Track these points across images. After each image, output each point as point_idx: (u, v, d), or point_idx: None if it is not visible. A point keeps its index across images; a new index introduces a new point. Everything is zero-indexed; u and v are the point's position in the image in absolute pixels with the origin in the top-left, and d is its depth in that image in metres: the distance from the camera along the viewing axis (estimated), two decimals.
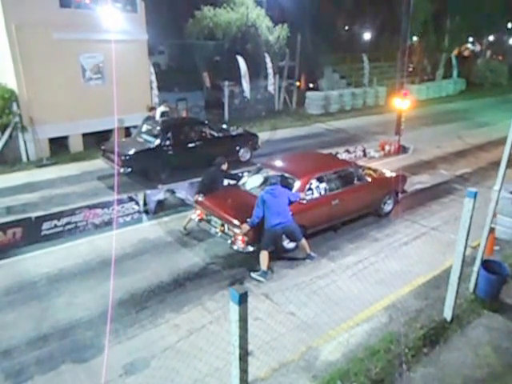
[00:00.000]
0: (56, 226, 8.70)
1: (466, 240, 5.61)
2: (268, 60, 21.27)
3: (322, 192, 8.51)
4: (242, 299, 3.30)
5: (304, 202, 8.09)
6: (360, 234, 9.05)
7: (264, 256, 7.42)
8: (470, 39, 43.86)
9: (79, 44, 14.23)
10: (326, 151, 13.72)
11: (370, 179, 9.48)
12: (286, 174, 8.52)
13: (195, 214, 8.76)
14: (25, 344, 5.85)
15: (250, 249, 7.62)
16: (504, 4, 30.39)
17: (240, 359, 3.45)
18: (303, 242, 7.79)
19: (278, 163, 9.23)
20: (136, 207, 9.70)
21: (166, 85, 19.11)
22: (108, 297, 6.69)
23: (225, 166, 9.17)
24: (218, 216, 8.09)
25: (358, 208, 9.22)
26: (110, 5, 14.24)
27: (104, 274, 7.46)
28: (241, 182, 9.23)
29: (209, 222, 8.41)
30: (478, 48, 48.07)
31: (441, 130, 19.22)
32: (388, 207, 9.85)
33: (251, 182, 9.01)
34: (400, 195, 10.05)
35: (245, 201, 8.18)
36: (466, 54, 45.62)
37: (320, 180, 8.55)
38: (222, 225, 7.99)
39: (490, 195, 7.27)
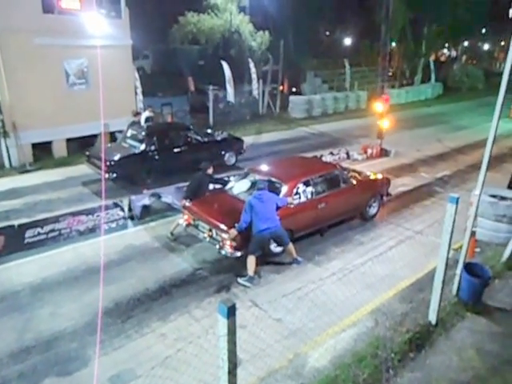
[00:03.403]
0: (39, 234, 8.57)
1: (449, 244, 5.72)
2: (252, 65, 21.35)
3: (309, 196, 8.55)
4: (231, 312, 3.27)
5: (291, 206, 8.14)
6: (345, 238, 9.13)
7: (251, 261, 7.43)
8: (446, 45, 44.80)
9: (63, 49, 14.10)
10: (310, 154, 13.82)
11: (355, 182, 9.56)
12: (273, 179, 8.52)
13: (183, 219, 8.72)
14: (7, 357, 5.72)
15: (238, 254, 7.63)
16: (478, 11, 31.14)
17: (229, 373, 3.42)
18: (290, 246, 7.84)
19: (265, 168, 9.27)
20: (121, 213, 9.62)
21: (151, 89, 19.03)
22: (93, 306, 6.62)
23: (210, 171, 9.20)
24: (205, 221, 8.07)
25: (344, 211, 9.31)
26: (95, 11, 14.12)
27: (89, 283, 7.37)
28: (228, 187, 9.22)
29: (196, 227, 8.38)
30: (453, 53, 49.11)
31: (420, 133, 19.53)
32: (373, 210, 9.98)
33: (238, 186, 9.02)
34: (385, 198, 10.23)
35: (232, 206, 8.17)
36: (442, 59, 46.59)
37: (307, 184, 8.57)
38: (210, 230, 7.98)
39: (470, 198, 7.45)
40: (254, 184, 8.66)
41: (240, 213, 7.45)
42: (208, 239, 8.06)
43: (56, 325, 6.38)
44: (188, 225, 8.61)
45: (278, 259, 8.16)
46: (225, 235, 7.57)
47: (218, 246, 7.77)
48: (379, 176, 10.40)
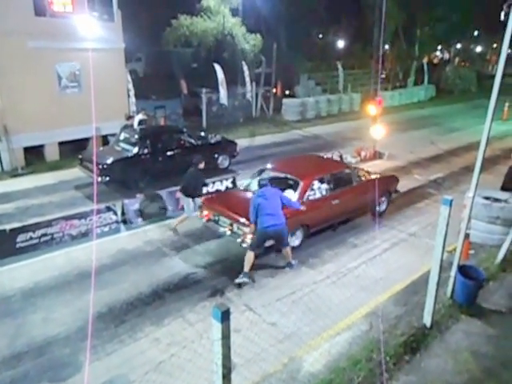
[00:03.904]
0: (31, 238, 8.49)
1: (443, 247, 5.72)
2: (245, 67, 21.35)
3: (323, 192, 8.90)
4: (225, 317, 3.25)
5: (306, 202, 8.42)
6: (339, 241, 9.12)
7: (249, 257, 7.48)
8: (439, 47, 45.14)
9: (55, 52, 14.04)
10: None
11: (365, 180, 9.92)
12: (290, 176, 8.94)
13: (202, 215, 8.94)
14: None
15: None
16: (470, 13, 31.42)
17: (223, 378, 3.40)
18: (288, 249, 7.81)
19: (281, 165, 9.81)
20: (114, 217, 9.56)
21: (144, 92, 18.96)
22: (86, 311, 6.55)
23: (202, 165, 9.39)
24: (226, 216, 8.31)
25: (356, 207, 9.65)
26: (87, 14, 14.06)
27: (81, 287, 7.30)
28: (245, 184, 9.58)
29: (217, 222, 8.60)
30: (446, 56, 49.45)
31: (414, 135, 19.60)
32: (382, 206, 10.28)
33: (254, 183, 9.27)
34: (393, 195, 10.57)
35: (249, 201, 8.22)
36: (435, 61, 46.90)
37: (321, 181, 8.94)
38: (231, 224, 8.19)
39: (463, 201, 7.47)
40: (270, 180, 8.77)
41: (242, 210, 7.87)
42: (229, 233, 8.26)
43: (48, 330, 6.31)
44: (208, 220, 8.81)
45: (272, 262, 8.15)
46: (246, 229, 7.79)
47: (239, 240, 7.94)
48: (388, 174, 11.04)
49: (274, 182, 8.63)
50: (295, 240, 8.46)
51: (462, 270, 6.69)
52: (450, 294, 6.82)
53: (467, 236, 7.26)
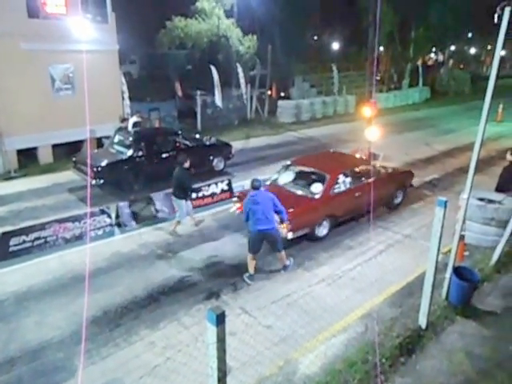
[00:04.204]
0: (24, 242, 8.44)
1: (438, 249, 5.72)
2: (240, 69, 21.34)
3: (347, 186, 9.44)
4: (220, 320, 3.23)
5: (332, 195, 9.05)
6: (334, 243, 9.11)
7: (248, 259, 7.56)
8: (434, 49, 45.33)
9: (48, 54, 13.99)
10: None
11: (384, 175, 10.47)
12: (317, 171, 9.52)
13: (235, 207, 9.37)
14: None
15: (290, 235, 8.29)
16: (464, 15, 31.58)
17: (218, 381, 3.38)
18: (283, 253, 7.76)
19: (307, 161, 10.52)
20: (108, 220, 9.50)
21: (138, 95, 18.92)
22: (80, 315, 6.50)
23: (187, 164, 9.40)
24: None
25: (376, 199, 9.63)
26: (80, 15, 14.02)
27: (76, 291, 7.25)
28: (273, 178, 10.06)
29: None
30: (441, 57, 49.67)
31: (409, 137, 19.65)
32: (398, 199, 10.91)
33: (283, 178, 9.92)
34: (408, 189, 11.23)
35: (281, 194, 8.56)
36: (429, 63, 47.10)
37: (346, 175, 9.49)
38: None
39: (458, 202, 7.48)
40: (297, 174, 9.86)
41: (288, 200, 8.38)
42: None
43: (42, 334, 6.26)
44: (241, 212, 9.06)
45: (267, 266, 8.11)
46: (279, 220, 8.03)
47: None
48: (404, 170, 11.81)
49: (300, 175, 9.75)
50: (323, 230, 9.06)
51: (457, 271, 6.69)
52: (445, 296, 6.83)
53: (462, 237, 7.26)
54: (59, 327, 6.41)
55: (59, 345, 6.06)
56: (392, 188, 10.56)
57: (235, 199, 9.66)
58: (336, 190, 9.18)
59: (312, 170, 9.69)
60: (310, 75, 29.16)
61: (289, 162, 10.37)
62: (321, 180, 9.21)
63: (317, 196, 8.95)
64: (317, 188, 9.08)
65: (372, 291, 7.11)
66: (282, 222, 7.75)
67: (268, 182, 9.88)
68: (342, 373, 5.37)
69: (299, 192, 9.21)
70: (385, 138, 14.16)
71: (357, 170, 9.94)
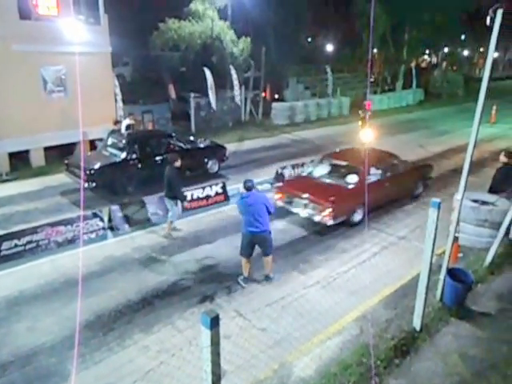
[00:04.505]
0: (16, 246, 8.37)
1: (433, 250, 5.72)
2: (233, 72, 21.32)
3: (378, 177, 10.34)
4: (214, 323, 3.22)
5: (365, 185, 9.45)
6: (328, 246, 9.11)
7: (243, 262, 7.53)
8: (427, 51, 45.62)
9: (40, 56, 13.91)
10: (293, 161, 14.07)
11: (408, 168, 11.45)
12: (351, 164, 10.49)
13: (276, 197, 10.19)
14: None
15: (331, 222, 9.22)
16: (457, 17, 31.83)
17: None
18: (270, 258, 7.64)
19: (342, 155, 11.48)
20: (101, 223, 9.44)
21: (131, 97, 18.86)
22: (73, 319, 6.42)
23: (178, 163, 9.31)
24: (302, 198, 9.66)
25: (402, 190, 11.22)
26: (73, 17, 13.94)
27: (68, 295, 7.19)
28: (308, 171, 11.11)
29: (290, 203, 9.96)
30: (434, 59, 49.98)
31: (403, 139, 19.68)
32: (419, 190, 11.85)
33: (317, 170, 10.94)
34: (427, 181, 12.20)
35: (319, 185, 10.15)
36: (423, 65, 47.38)
37: (376, 168, 10.42)
38: (305, 205, 9.55)
39: (452, 203, 7.50)
40: (332, 167, 10.87)
41: (327, 190, 9.66)
42: (302, 212, 9.63)
43: (34, 339, 6.20)
44: (281, 201, 10.12)
45: (261, 268, 7.93)
46: (321, 207, 9.17)
47: (315, 218, 9.37)
48: (424, 163, 12.92)
49: (335, 168, 10.75)
50: (357, 216, 9.90)
51: (451, 272, 6.70)
52: (440, 297, 6.83)
53: (456, 239, 7.28)
54: (51, 332, 6.35)
55: (52, 350, 6.00)
56: (414, 180, 11.64)
57: (276, 189, 10.72)
58: (368, 181, 9.64)
59: (346, 163, 10.69)
60: (304, 77, 29.24)
61: (324, 155, 11.65)
62: (355, 172, 10.10)
63: (353, 186, 9.88)
64: (352, 179, 10.02)
65: (367, 293, 7.10)
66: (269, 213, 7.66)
67: (304, 174, 11.20)
68: (337, 375, 5.36)
69: (337, 182, 10.15)
70: (379, 140, 14.19)
71: (386, 163, 10.89)
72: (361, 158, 10.51)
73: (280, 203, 10.13)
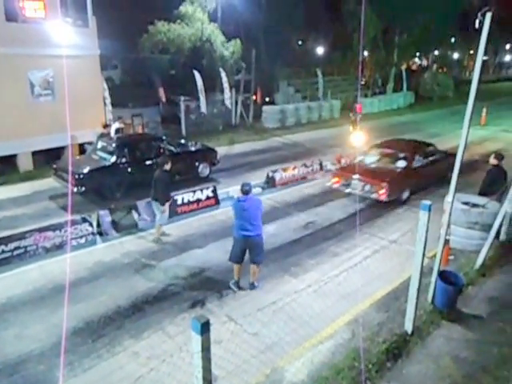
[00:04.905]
0: (3, 252, 8.22)
1: (423, 253, 5.71)
2: (223, 74, 21.28)
3: (421, 163, 12.08)
4: (204, 328, 3.18)
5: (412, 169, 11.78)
6: (320, 249, 9.08)
7: (234, 266, 7.45)
8: (417, 54, 45.98)
9: (27, 59, 13.74)
10: (284, 165, 14.11)
11: (443, 155, 12.97)
12: (400, 152, 12.29)
13: (332, 182, 12.17)
14: None
15: (386, 199, 11.03)
16: (447, 20, 32.10)
17: None
18: (258, 269, 7.54)
19: (390, 144, 13.19)
20: (90, 228, 9.32)
21: (121, 100, 18.75)
22: (61, 326, 6.31)
23: (168, 166, 9.23)
24: (360, 180, 11.48)
25: (438, 174, 12.56)
26: (60, 20, 13.80)
27: (56, 302, 7.07)
28: (359, 159, 12.67)
29: (348, 185, 11.78)
30: (424, 62, 50.40)
31: None
32: (449, 175, 12.62)
33: (369, 158, 12.62)
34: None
35: (374, 169, 12.00)
36: (413, 67, 47.74)
37: (420, 155, 12.17)
38: (363, 186, 11.42)
39: (443, 205, 7.51)
40: (382, 155, 12.53)
41: (383, 173, 11.54)
42: (359, 192, 11.43)
43: (22, 347, 6.09)
44: (337, 185, 12.03)
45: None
46: (378, 187, 11.06)
47: (372, 196, 11.25)
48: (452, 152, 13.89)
49: (385, 155, 12.43)
50: (405, 194, 11.69)
51: (442, 275, 6.71)
52: (431, 300, 6.83)
53: (447, 242, 7.29)
54: (40, 339, 6.24)
55: (40, 357, 5.90)
56: (446, 166, 12.60)
57: (332, 175, 12.49)
58: (413, 166, 11.78)
59: (395, 151, 12.48)
60: (295, 80, 29.27)
61: (374, 145, 13.37)
62: (404, 158, 11.95)
63: (402, 170, 11.68)
64: (402, 164, 11.81)
65: (358, 297, 7.07)
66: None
67: (356, 161, 12.61)
68: (328, 380, 5.33)
69: (390, 167, 11.96)
70: (370, 143, 14.21)
71: (428, 151, 12.63)
72: (405, 146, 12.86)
73: (336, 186, 12.09)
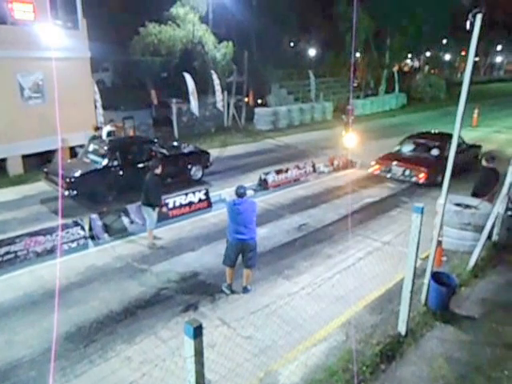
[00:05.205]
0: None
1: (416, 255, 5.71)
2: (215, 76, 21.24)
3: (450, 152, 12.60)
4: (197, 333, 3.15)
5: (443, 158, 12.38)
6: (313, 252, 9.07)
7: (227, 268, 7.40)
8: (409, 55, 46.26)
9: (16, 62, 13.61)
10: (277, 167, 14.07)
11: (468, 146, 14.53)
12: (433, 142, 13.99)
13: (372, 169, 13.91)
14: None
15: (425, 182, 12.79)
16: (439, 22, 32.30)
17: None
18: (251, 272, 7.50)
19: (424, 136, 14.95)
20: (82, 232, 9.22)
21: (112, 103, 18.65)
22: (53, 331, 6.24)
23: (158, 170, 9.15)
24: (400, 167, 13.30)
25: (465, 163, 13.39)
26: (50, 22, 13.69)
27: (48, 307, 6.98)
28: (396, 149, 14.48)
29: (389, 171, 13.55)
30: (416, 64, 50.70)
31: (386, 143, 19.63)
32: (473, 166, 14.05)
33: (405, 148, 14.41)
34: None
35: (412, 157, 13.79)
36: (405, 69, 48.01)
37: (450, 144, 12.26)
38: (403, 171, 13.21)
39: (435, 207, 7.52)
40: (417, 145, 14.34)
41: (421, 160, 13.36)
42: (400, 177, 13.31)
43: (13, 353, 6.01)
44: (379, 171, 13.77)
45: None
46: (417, 172, 12.87)
47: (413, 179, 13.05)
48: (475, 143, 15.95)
49: (420, 145, 14.18)
50: (438, 179, 12.02)
51: (435, 276, 6.72)
52: (424, 301, 6.84)
53: (440, 243, 7.31)
54: (31, 345, 6.16)
55: (31, 363, 5.82)
56: (471, 156, 14.65)
57: (373, 163, 14.02)
58: (446, 154, 12.31)
59: (429, 141, 14.21)
60: (287, 82, 29.30)
61: (409, 136, 15.11)
62: (437, 147, 13.64)
63: (437, 157, 13.28)
64: (435, 152, 13.56)
65: (352, 299, 7.07)
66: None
67: (393, 151, 14.37)
68: (322, 382, 5.32)
69: (425, 155, 13.67)
70: (362, 145, 14.30)
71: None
72: (437, 137, 14.55)
73: (377, 172, 13.83)
